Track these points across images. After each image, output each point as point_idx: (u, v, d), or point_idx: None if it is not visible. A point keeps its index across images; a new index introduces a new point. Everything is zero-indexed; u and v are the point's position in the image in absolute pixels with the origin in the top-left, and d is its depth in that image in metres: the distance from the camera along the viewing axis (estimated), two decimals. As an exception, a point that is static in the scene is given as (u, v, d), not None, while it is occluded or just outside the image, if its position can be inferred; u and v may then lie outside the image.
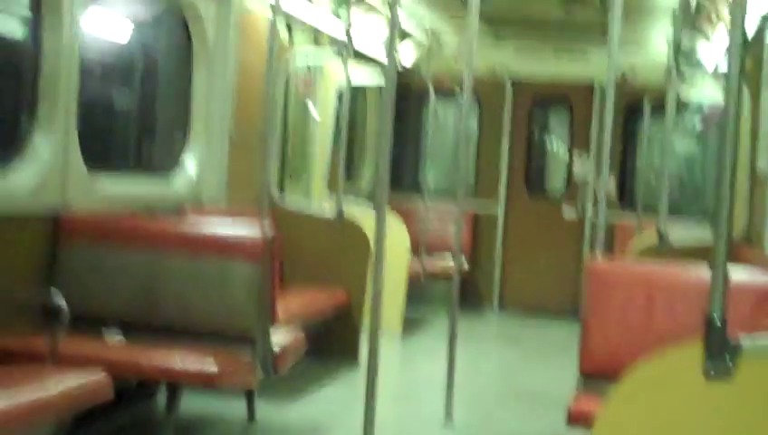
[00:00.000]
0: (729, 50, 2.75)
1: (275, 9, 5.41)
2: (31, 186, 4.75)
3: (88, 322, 4.60)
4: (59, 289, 4.70)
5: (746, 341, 2.58)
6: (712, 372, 2.56)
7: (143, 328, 4.86)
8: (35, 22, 4.95)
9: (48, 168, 4.84)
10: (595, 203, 9.86)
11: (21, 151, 4.82)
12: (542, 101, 10.72)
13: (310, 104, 8.64)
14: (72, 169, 5.01)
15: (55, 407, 3.77)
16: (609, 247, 5.22)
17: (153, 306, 4.94)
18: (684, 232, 7.56)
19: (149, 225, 5.25)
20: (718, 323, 2.56)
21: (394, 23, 4.52)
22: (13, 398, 3.59)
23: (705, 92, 8.32)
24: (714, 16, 6.76)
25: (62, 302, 4.22)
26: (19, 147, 4.83)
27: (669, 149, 7.08)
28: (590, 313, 4.52)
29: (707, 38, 7.69)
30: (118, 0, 6.23)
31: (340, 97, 8.95)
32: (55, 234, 4.97)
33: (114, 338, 4.78)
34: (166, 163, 6.46)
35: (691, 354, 2.65)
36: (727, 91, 2.66)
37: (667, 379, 2.77)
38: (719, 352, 2.57)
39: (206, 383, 4.50)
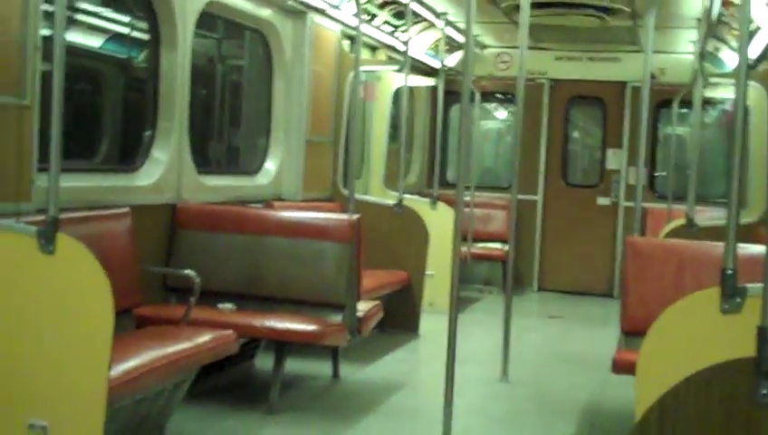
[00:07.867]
0: (739, 54, 3.47)
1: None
2: (153, 183, 5.70)
3: (202, 294, 5.23)
4: (177, 268, 5.62)
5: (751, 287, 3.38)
6: (726, 307, 3.37)
7: (250, 299, 5.74)
8: (154, 44, 5.81)
9: (166, 169, 5.77)
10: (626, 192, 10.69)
11: (145, 157, 5.77)
12: (577, 101, 11.34)
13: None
14: (185, 170, 5.95)
15: (196, 356, 4.54)
16: (642, 230, 5.95)
17: (258, 281, 5.84)
18: (709, 216, 8.29)
19: (251, 213, 6.17)
20: (729, 272, 3.37)
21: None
22: (163, 349, 4.37)
23: (727, 92, 8.95)
24: (735, 26, 7.45)
25: (196, 277, 5.08)
26: (144, 153, 5.78)
27: (696, 142, 7.74)
28: (629, 280, 5.30)
29: (730, 47, 8.38)
30: (205, 21, 6.90)
31: (394, 99, 9.76)
32: (173, 221, 5.90)
33: (227, 307, 5.66)
34: (254, 165, 7.40)
35: (710, 297, 3.46)
36: (738, 89, 3.35)
37: (692, 318, 3.57)
38: (731, 293, 3.38)
39: (308, 341, 5.38)
